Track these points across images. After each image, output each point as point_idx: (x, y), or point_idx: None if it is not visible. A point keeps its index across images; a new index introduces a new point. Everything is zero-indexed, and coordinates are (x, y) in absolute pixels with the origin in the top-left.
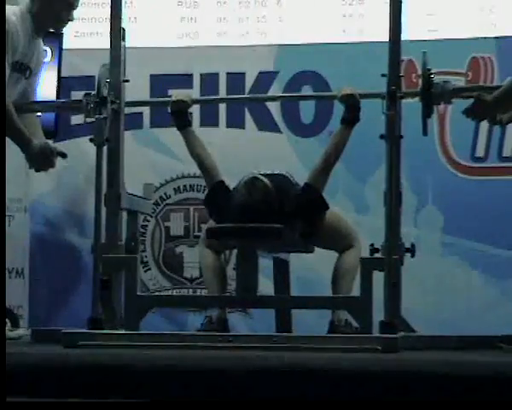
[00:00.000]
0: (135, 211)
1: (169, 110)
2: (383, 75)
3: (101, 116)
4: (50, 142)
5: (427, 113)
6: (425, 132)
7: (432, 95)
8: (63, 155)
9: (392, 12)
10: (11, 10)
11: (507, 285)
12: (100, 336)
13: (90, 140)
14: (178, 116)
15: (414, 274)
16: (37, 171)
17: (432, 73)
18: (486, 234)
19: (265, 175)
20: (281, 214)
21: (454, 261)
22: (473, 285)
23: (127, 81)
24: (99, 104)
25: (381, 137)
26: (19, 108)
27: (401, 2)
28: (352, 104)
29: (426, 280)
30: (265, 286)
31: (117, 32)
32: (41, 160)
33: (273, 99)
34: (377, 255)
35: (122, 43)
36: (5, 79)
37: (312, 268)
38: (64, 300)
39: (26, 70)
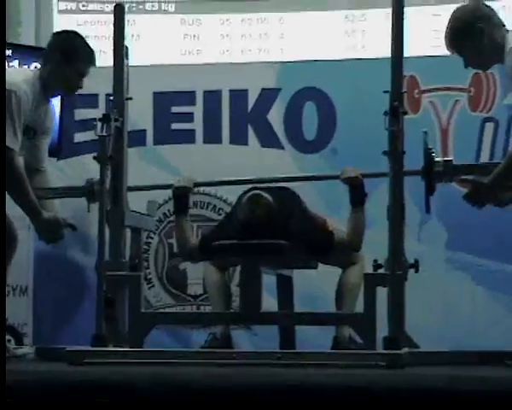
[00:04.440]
0: (138, 228)
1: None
2: (386, 92)
3: (105, 134)
4: (59, 215)
5: (429, 191)
6: (428, 210)
7: (433, 173)
8: (73, 228)
9: (394, 28)
10: (22, 76)
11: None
12: (104, 353)
13: (94, 158)
14: (179, 201)
15: (417, 290)
16: (46, 243)
17: (433, 152)
18: (491, 249)
19: (268, 190)
20: (284, 231)
21: (458, 277)
22: (477, 301)
23: (130, 99)
24: (102, 122)
25: (384, 153)
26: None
27: (403, 18)
28: (355, 185)
29: (430, 296)
30: (269, 302)
31: (120, 50)
32: (50, 232)
33: (287, 180)
34: (381, 271)
35: (125, 61)
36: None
37: (316, 284)
38: (68, 317)
39: (30, 131)
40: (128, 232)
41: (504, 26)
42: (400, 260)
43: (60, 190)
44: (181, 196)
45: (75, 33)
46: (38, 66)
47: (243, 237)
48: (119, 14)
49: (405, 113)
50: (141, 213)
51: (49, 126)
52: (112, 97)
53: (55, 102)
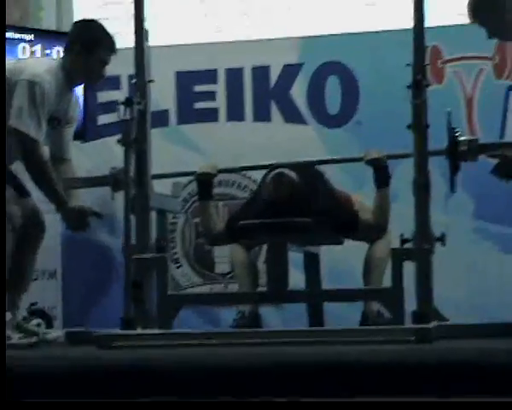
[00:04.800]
0: (164, 210)
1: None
2: (408, 65)
3: (128, 117)
4: (85, 204)
5: (454, 170)
6: (452, 189)
7: (458, 153)
8: (99, 216)
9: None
10: (45, 66)
11: None
12: (133, 336)
13: (118, 141)
14: (203, 187)
15: (445, 261)
16: (72, 231)
17: (457, 131)
18: None
19: (292, 168)
20: (309, 208)
21: (486, 247)
22: (505, 271)
23: (152, 81)
24: (125, 105)
25: (408, 127)
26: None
27: None
28: (379, 167)
29: (457, 267)
30: (296, 278)
31: (140, 33)
32: (76, 222)
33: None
34: (407, 245)
35: (146, 43)
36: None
37: (343, 259)
38: (97, 299)
39: (54, 121)
40: (153, 215)
41: None
42: (427, 234)
43: (84, 179)
44: (204, 181)
45: (95, 22)
46: (61, 50)
47: (268, 215)
48: None
49: (428, 85)
50: (166, 195)
51: (72, 116)
52: (134, 80)
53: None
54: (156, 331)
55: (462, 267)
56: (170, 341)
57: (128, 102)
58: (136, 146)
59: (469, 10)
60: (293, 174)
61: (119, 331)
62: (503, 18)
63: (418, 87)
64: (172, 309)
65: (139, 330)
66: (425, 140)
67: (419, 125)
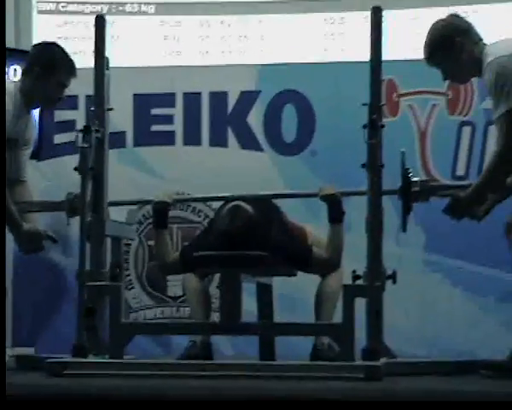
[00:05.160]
0: (119, 237)
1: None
2: (364, 104)
3: (86, 145)
4: (40, 227)
5: (406, 211)
6: (404, 229)
7: (411, 194)
8: (53, 240)
9: (373, 32)
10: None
11: (488, 302)
12: (85, 364)
13: (75, 169)
14: (159, 216)
15: (396, 292)
16: (25, 254)
17: (410, 172)
18: (468, 252)
19: (248, 200)
20: (264, 241)
21: (436, 279)
22: (455, 303)
23: (111, 109)
24: (83, 133)
25: (363, 166)
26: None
27: (381, 22)
28: (333, 203)
29: (408, 298)
30: (250, 305)
31: (101, 61)
32: (29, 244)
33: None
34: (359, 282)
35: (106, 71)
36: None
37: (296, 287)
38: (47, 320)
39: (11, 143)
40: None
41: (482, 40)
42: (378, 271)
43: (40, 203)
44: (161, 210)
45: (55, 44)
46: (18, 69)
47: (223, 247)
48: (99, 25)
49: (383, 126)
50: (121, 222)
51: (29, 138)
52: (93, 108)
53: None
54: (108, 360)
55: (412, 299)
56: (122, 370)
57: (86, 130)
58: (94, 174)
59: (425, 52)
60: (248, 207)
61: (70, 359)
62: (458, 61)
63: (373, 127)
64: (125, 337)
65: (91, 358)
66: (379, 179)
67: (373, 165)
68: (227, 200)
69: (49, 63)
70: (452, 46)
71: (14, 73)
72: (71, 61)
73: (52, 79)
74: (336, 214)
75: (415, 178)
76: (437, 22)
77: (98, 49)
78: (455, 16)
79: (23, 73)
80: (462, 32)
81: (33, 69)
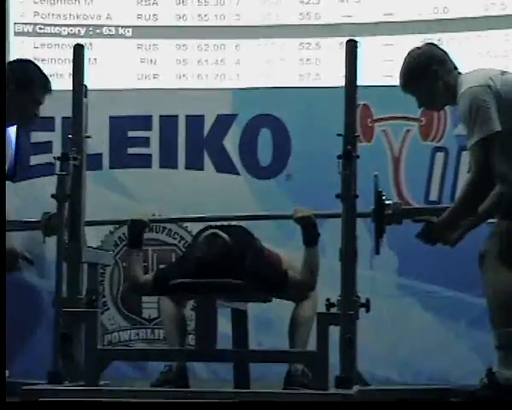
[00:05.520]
0: (95, 263)
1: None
2: (339, 135)
3: (63, 173)
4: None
5: (379, 233)
6: (377, 251)
7: (384, 216)
8: (29, 261)
9: (347, 65)
10: None
11: (459, 326)
12: (60, 391)
13: (52, 196)
14: (134, 235)
15: (369, 315)
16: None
17: (383, 195)
18: (440, 276)
19: (224, 228)
20: (240, 269)
21: (408, 303)
22: (426, 327)
23: (89, 137)
24: (60, 160)
25: (337, 196)
26: None
27: (356, 55)
28: (308, 225)
29: (381, 321)
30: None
31: (79, 89)
32: (6, 264)
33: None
34: (333, 310)
35: (84, 99)
36: (5, 84)
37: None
38: (21, 340)
39: None
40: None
41: (457, 68)
42: (352, 299)
43: (16, 222)
44: (136, 230)
45: (29, 61)
46: None
47: (200, 274)
48: (78, 53)
49: (357, 157)
50: (98, 249)
51: (5, 155)
52: (70, 135)
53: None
54: (84, 387)
55: (384, 322)
56: (97, 397)
57: (64, 158)
58: (71, 201)
59: (401, 80)
60: (225, 235)
61: (46, 386)
62: (433, 89)
63: (348, 158)
64: (101, 363)
65: (67, 385)
66: (353, 209)
67: (348, 195)
68: (202, 221)
69: (24, 80)
70: (427, 74)
71: None
72: (46, 78)
73: (27, 96)
74: (311, 237)
75: (388, 201)
76: (413, 50)
77: (76, 77)
78: (431, 44)
79: None
80: (438, 61)
81: (8, 87)
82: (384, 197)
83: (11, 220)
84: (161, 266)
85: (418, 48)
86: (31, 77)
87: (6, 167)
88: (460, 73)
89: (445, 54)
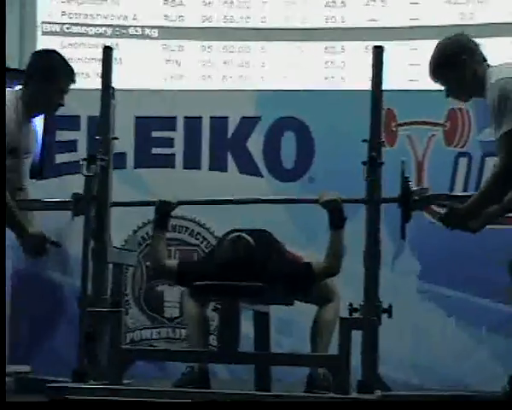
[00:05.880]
0: (120, 264)
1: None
2: (364, 141)
3: (91, 174)
4: (45, 232)
5: (405, 218)
6: (403, 236)
7: (410, 202)
8: (57, 245)
9: (374, 64)
10: (5, 98)
11: (481, 332)
12: (85, 389)
13: (80, 196)
14: (161, 217)
15: (390, 320)
16: (30, 258)
17: (410, 181)
18: (462, 281)
19: (248, 232)
20: (263, 272)
21: (430, 308)
22: (448, 332)
23: (116, 139)
24: (88, 161)
25: (363, 201)
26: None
27: (382, 61)
28: (334, 209)
29: (402, 325)
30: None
31: (107, 91)
32: (35, 248)
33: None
34: (356, 315)
35: (112, 101)
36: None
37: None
38: (44, 337)
39: (14, 152)
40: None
41: (486, 61)
42: (375, 304)
43: (46, 203)
44: (163, 211)
45: (54, 52)
46: None
47: (223, 276)
48: (106, 55)
49: (382, 163)
50: (123, 249)
51: (31, 146)
52: (98, 137)
53: (38, 123)
54: (108, 386)
55: (405, 327)
56: (121, 396)
57: (91, 158)
58: (97, 202)
59: (431, 67)
60: (249, 238)
61: (71, 384)
62: (462, 78)
63: (372, 164)
64: (124, 363)
65: (91, 383)
66: (378, 214)
67: (372, 200)
68: (227, 203)
69: (50, 69)
70: (456, 63)
71: None
72: (70, 67)
73: (52, 85)
74: (337, 220)
75: (414, 188)
76: (444, 40)
77: (105, 78)
78: (462, 35)
79: (24, 81)
80: (468, 51)
81: (34, 76)
82: (410, 183)
83: (41, 201)
84: (186, 261)
85: (449, 38)
86: (56, 66)
87: (30, 165)
88: (489, 66)
89: (476, 45)
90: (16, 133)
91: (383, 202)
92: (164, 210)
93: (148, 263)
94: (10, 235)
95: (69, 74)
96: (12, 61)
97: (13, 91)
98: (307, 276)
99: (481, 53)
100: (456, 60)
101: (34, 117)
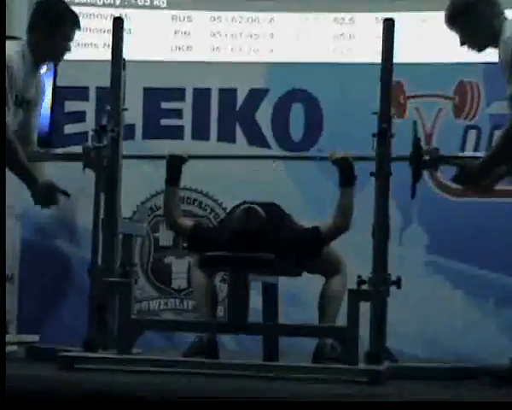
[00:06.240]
0: (130, 234)
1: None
2: (374, 113)
3: (101, 144)
4: (54, 180)
5: (416, 177)
6: (413, 196)
7: (421, 161)
8: (66, 194)
9: (384, 37)
10: (12, 47)
11: (488, 306)
12: (95, 359)
13: (90, 167)
14: (172, 171)
15: (397, 292)
16: (41, 207)
17: (421, 140)
18: (470, 254)
19: (260, 204)
20: (273, 244)
21: (437, 280)
22: (455, 305)
23: (126, 110)
24: (98, 133)
25: (371, 174)
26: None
27: (393, 34)
28: (344, 166)
29: (409, 298)
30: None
31: (118, 62)
32: (45, 197)
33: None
34: (364, 287)
35: (122, 72)
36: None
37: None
38: (53, 307)
39: (24, 103)
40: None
41: (503, 14)
42: (384, 277)
43: (56, 154)
44: (174, 165)
45: None
46: None
47: (234, 247)
48: (117, 27)
49: (392, 136)
50: (133, 220)
51: (39, 98)
52: (108, 108)
53: (47, 93)
54: (118, 355)
55: (413, 299)
56: (131, 365)
57: (102, 130)
58: (107, 172)
59: (447, 14)
60: (260, 210)
61: (81, 353)
62: (477, 27)
63: (382, 137)
64: (134, 333)
65: (101, 353)
66: (387, 187)
67: (381, 174)
68: (240, 158)
69: (55, 17)
70: (473, 11)
71: None
72: (75, 13)
73: (58, 32)
74: (348, 178)
75: (425, 147)
76: None
77: (115, 49)
78: None
79: (29, 30)
80: (485, 1)
81: (39, 24)
82: (422, 143)
83: (51, 152)
84: (200, 225)
85: None
86: (61, 13)
87: (38, 135)
88: (506, 19)
89: None
90: (26, 85)
91: (394, 161)
92: (174, 164)
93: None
94: (20, 203)
95: (74, 20)
96: (21, 31)
97: (19, 41)
98: (316, 239)
99: (500, 5)
100: (473, 7)
101: (42, 65)
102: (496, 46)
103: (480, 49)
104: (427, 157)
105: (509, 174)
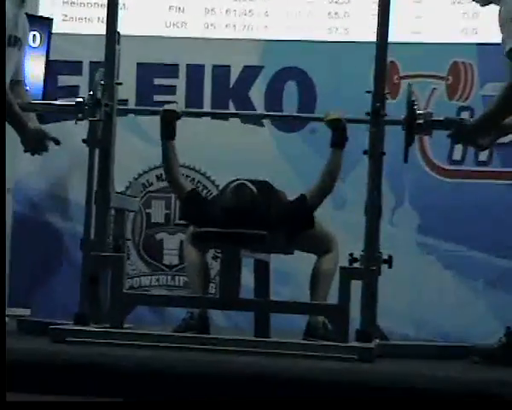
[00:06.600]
0: (123, 209)
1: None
2: (368, 92)
3: (95, 119)
4: (43, 126)
5: (409, 142)
6: (406, 160)
7: (414, 125)
8: (56, 141)
9: (380, 16)
10: None
11: (479, 286)
12: (86, 332)
13: (83, 141)
14: (166, 126)
15: (388, 272)
16: (31, 154)
17: (416, 104)
18: (461, 235)
19: (252, 182)
20: (265, 220)
21: (428, 261)
22: (445, 285)
23: (120, 84)
24: (93, 107)
25: (364, 152)
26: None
27: (389, 8)
28: (338, 128)
29: (400, 278)
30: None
31: (113, 36)
32: (35, 143)
33: (262, 117)
34: (356, 265)
35: (117, 46)
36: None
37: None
38: (44, 281)
39: (17, 42)
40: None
41: None
42: (375, 255)
43: (48, 105)
44: (168, 120)
45: None
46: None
47: (226, 223)
48: (112, 1)
49: (385, 115)
50: (126, 195)
51: (26, 36)
52: (102, 81)
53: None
54: (109, 329)
55: (403, 279)
56: (122, 340)
57: (96, 104)
58: (101, 146)
59: None
60: (252, 186)
61: (73, 326)
62: None
63: (376, 116)
64: (126, 308)
65: (93, 327)
66: (380, 167)
67: (375, 153)
68: (232, 116)
69: None
70: None
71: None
72: None
73: None
74: (339, 139)
75: (419, 111)
76: None
77: (110, 23)
78: None
79: None
80: None
81: None
82: (416, 107)
83: (44, 102)
84: (196, 192)
85: None
86: None
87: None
88: None
89: None
90: (15, 23)
91: (387, 124)
92: (168, 119)
93: None
94: (10, 178)
95: None
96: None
97: None
98: (305, 206)
99: None
100: None
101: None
102: (497, 2)
103: (483, 3)
104: (420, 121)
105: (507, 132)
